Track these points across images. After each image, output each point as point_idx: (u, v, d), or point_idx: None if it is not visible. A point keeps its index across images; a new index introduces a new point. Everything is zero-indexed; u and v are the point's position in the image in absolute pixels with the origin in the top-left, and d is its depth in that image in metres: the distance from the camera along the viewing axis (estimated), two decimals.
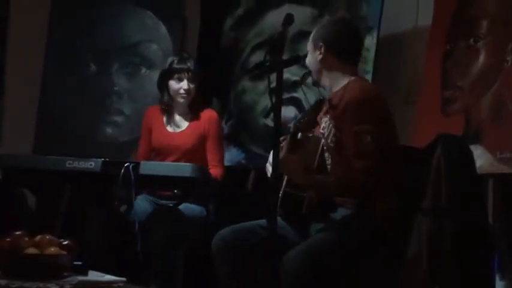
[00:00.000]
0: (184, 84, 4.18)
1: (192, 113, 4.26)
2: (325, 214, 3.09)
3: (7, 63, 5.21)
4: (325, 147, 3.14)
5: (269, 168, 3.13)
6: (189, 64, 4.20)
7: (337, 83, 3.22)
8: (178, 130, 4.26)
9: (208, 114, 4.27)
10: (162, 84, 4.27)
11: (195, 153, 4.16)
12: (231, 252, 3.11)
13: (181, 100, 4.21)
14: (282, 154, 2.94)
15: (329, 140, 3.12)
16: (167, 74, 4.23)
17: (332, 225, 3.05)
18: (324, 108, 3.26)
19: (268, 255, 2.75)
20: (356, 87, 3.13)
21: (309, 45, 3.29)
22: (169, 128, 4.28)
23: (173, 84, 4.21)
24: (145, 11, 5.00)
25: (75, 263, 3.00)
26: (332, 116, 3.14)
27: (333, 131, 3.11)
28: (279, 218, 3.03)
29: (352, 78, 3.21)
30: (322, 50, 3.22)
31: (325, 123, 3.19)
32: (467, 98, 3.56)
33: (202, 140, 4.21)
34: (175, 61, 4.22)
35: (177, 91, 4.20)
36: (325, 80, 3.26)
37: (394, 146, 3.10)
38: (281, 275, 2.85)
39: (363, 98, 3.07)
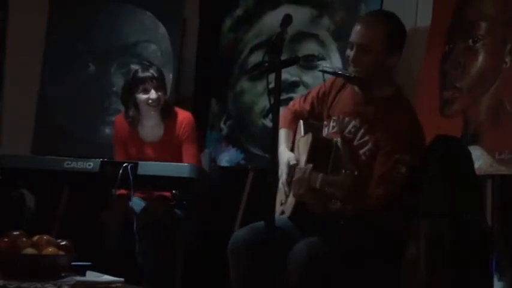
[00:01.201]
0: (152, 94, 4.07)
1: (165, 122, 4.16)
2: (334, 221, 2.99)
3: (6, 63, 5.21)
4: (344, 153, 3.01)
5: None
6: (151, 71, 4.09)
7: (381, 91, 3.05)
8: (154, 140, 4.16)
9: (182, 118, 4.16)
10: (126, 98, 4.15)
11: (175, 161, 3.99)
12: (248, 250, 2.97)
13: (153, 112, 4.12)
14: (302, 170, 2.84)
15: (361, 152, 3.00)
16: (132, 86, 4.11)
17: (337, 227, 2.98)
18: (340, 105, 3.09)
19: (279, 253, 2.72)
20: (408, 109, 3.01)
21: (373, 42, 2.97)
22: (144, 140, 4.17)
23: (140, 96, 4.09)
24: (145, 12, 4.99)
25: (73, 263, 3.00)
26: (371, 129, 2.98)
27: (369, 145, 2.99)
28: (285, 217, 3.02)
29: (398, 91, 3.05)
30: (398, 54, 2.99)
31: (353, 127, 3.05)
32: (466, 99, 3.56)
33: (179, 147, 4.12)
34: (139, 70, 4.11)
35: (145, 102, 4.08)
36: (374, 87, 3.04)
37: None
38: (288, 267, 2.81)
39: (414, 127, 2.98)
